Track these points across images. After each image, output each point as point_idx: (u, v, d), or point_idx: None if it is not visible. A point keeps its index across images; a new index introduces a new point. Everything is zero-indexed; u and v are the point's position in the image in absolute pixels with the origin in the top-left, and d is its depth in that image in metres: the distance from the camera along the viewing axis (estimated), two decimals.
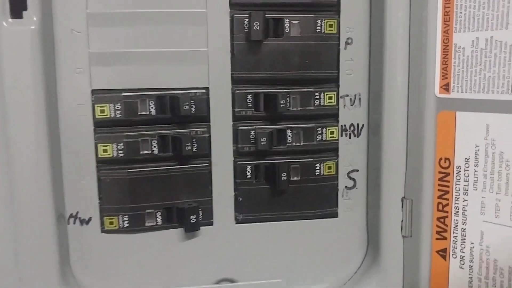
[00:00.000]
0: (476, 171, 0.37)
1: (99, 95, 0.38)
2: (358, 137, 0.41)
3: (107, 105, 0.38)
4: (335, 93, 0.41)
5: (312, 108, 0.40)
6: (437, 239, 0.39)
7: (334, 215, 0.42)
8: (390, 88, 0.39)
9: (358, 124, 0.41)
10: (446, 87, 0.37)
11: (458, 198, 0.38)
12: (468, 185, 0.37)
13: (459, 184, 0.37)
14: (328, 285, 0.43)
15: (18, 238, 0.36)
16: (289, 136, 0.40)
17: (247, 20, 0.38)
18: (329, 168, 0.41)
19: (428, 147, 0.39)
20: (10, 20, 0.34)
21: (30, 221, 0.36)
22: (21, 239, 0.36)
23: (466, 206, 0.37)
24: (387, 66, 0.39)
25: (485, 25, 0.35)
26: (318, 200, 0.42)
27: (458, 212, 0.38)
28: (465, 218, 0.37)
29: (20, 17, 0.34)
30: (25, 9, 0.34)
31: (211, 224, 0.41)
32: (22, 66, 0.34)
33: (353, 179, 0.42)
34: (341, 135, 0.41)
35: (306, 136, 0.41)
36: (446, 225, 0.38)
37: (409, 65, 0.39)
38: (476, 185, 0.37)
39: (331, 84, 0.41)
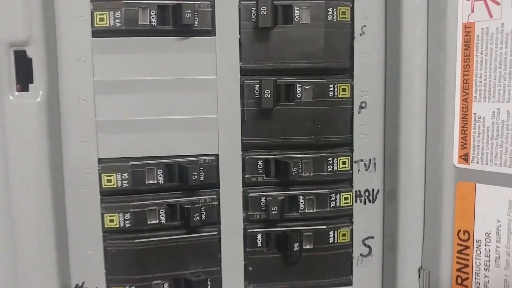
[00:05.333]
0: (498, 247, 0.35)
1: (106, 164, 0.37)
2: (373, 202, 0.40)
3: (114, 174, 0.37)
4: (349, 158, 0.39)
5: (325, 173, 0.39)
6: None
7: (349, 283, 0.40)
8: (406, 154, 0.38)
9: (373, 190, 0.40)
10: (465, 157, 0.36)
11: (479, 273, 0.36)
12: (489, 261, 0.35)
13: (479, 259, 0.36)
14: None
15: None
16: (301, 202, 0.39)
17: (257, 86, 0.37)
18: (343, 235, 0.40)
19: (446, 218, 0.37)
20: (16, 93, 0.34)
21: None
22: None
23: (488, 283, 0.35)
24: (403, 131, 0.38)
25: (506, 97, 0.33)
26: (332, 269, 0.40)
27: None
28: None
29: (26, 90, 0.34)
30: (31, 82, 0.34)
31: None
32: (27, 139, 0.34)
33: (368, 247, 0.40)
34: (356, 201, 0.40)
35: (319, 202, 0.39)
36: None
37: (426, 131, 0.38)
38: (498, 261, 0.35)
39: (344, 148, 0.39)
